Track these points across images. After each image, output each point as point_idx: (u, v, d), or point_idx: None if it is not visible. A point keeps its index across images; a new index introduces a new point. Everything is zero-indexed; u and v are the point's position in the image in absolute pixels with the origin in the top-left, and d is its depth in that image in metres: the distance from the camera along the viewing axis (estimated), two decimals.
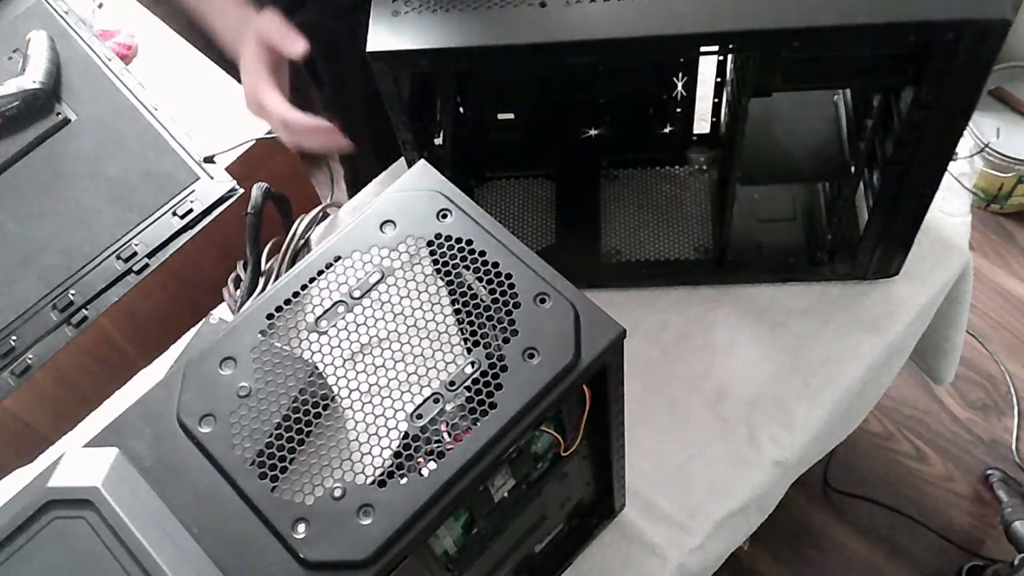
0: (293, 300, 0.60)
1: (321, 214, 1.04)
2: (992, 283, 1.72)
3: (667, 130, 1.00)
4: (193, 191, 1.14)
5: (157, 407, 0.58)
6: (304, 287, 0.60)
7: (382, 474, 0.53)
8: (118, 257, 1.10)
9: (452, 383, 0.55)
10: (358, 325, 0.58)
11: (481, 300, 0.58)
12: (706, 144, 1.03)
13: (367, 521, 0.52)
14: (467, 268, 0.59)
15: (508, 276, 0.58)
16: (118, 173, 1.16)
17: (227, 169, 1.16)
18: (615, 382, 0.62)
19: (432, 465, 0.53)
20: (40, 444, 0.97)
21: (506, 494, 0.65)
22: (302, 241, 1.01)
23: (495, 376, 0.55)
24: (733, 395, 0.91)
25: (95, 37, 1.29)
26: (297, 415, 0.56)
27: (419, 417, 0.54)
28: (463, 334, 0.58)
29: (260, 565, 0.52)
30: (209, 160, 1.16)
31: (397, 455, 0.54)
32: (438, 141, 0.88)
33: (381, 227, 0.62)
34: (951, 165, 0.96)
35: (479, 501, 0.62)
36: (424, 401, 0.55)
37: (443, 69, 0.73)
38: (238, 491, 0.54)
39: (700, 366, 0.93)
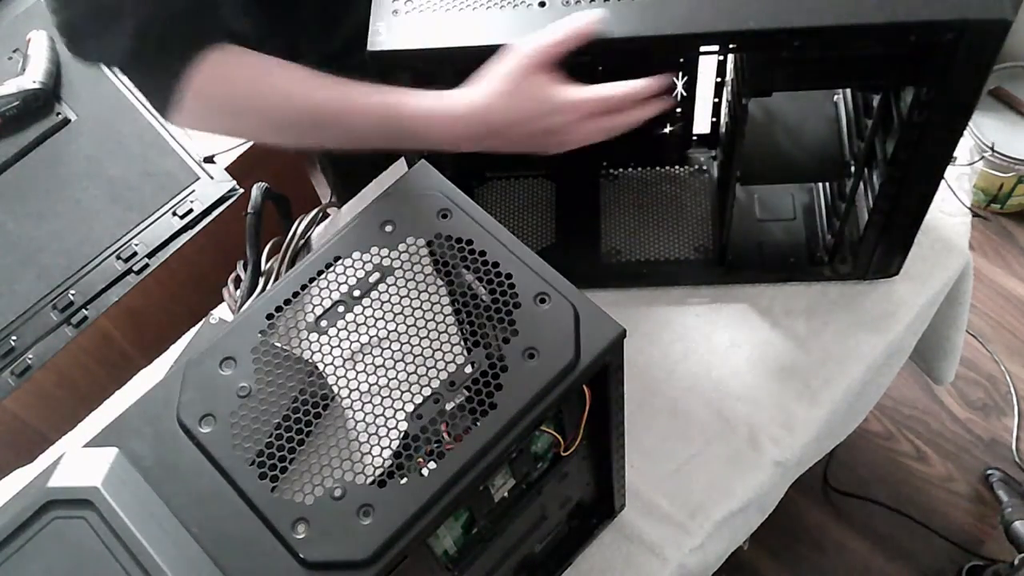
0: (293, 300, 0.60)
1: (321, 214, 1.04)
2: (992, 283, 1.72)
3: (667, 130, 1.00)
4: (193, 191, 1.14)
5: (157, 407, 0.58)
6: (304, 287, 0.60)
7: (382, 474, 0.53)
8: (118, 257, 1.10)
9: (452, 383, 0.55)
10: (358, 325, 0.58)
11: (481, 300, 0.58)
12: (706, 144, 1.03)
13: (367, 521, 0.52)
14: (467, 268, 0.59)
15: (508, 276, 0.58)
16: (118, 173, 1.16)
17: (227, 169, 1.16)
18: (615, 382, 0.62)
19: (432, 465, 0.53)
20: (40, 444, 0.97)
21: (506, 494, 0.65)
22: (302, 241, 1.01)
23: (495, 376, 0.55)
24: (733, 395, 0.91)
25: None
26: (297, 415, 0.56)
27: (419, 417, 0.54)
28: (463, 334, 0.58)
29: (260, 565, 0.52)
30: (209, 160, 1.16)
31: (397, 455, 0.54)
32: None
33: (381, 227, 0.62)
34: (952, 167, 0.96)
35: (479, 501, 0.62)
36: (424, 401, 0.55)
37: (443, 69, 0.73)
38: (238, 491, 0.54)
39: (700, 366, 0.93)
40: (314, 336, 0.58)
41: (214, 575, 0.52)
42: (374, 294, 0.59)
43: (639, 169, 1.04)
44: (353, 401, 0.56)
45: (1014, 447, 1.56)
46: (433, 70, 0.74)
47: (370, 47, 0.72)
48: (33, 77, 1.21)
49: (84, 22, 0.73)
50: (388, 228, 0.62)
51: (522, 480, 0.66)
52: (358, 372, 0.57)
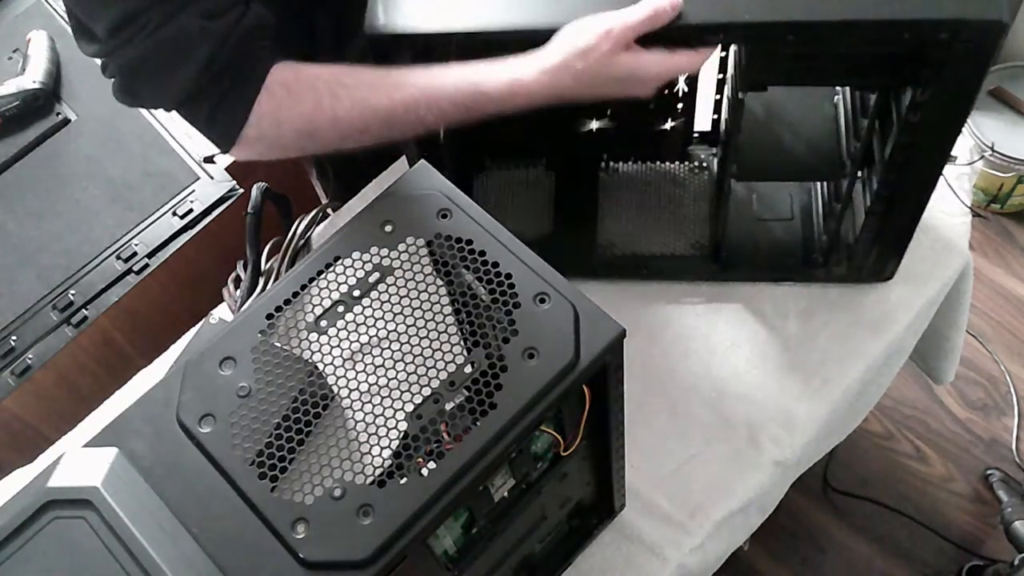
0: (293, 300, 0.60)
1: (321, 214, 1.04)
2: (992, 283, 1.72)
3: (668, 126, 1.00)
4: (193, 191, 1.14)
5: (157, 407, 0.58)
6: (304, 287, 0.60)
7: (382, 474, 0.53)
8: (118, 257, 1.10)
9: (452, 383, 0.55)
10: (358, 325, 0.58)
11: (481, 300, 0.58)
12: (707, 142, 1.03)
13: (367, 521, 0.52)
14: (467, 268, 0.59)
15: (508, 276, 0.58)
16: (118, 173, 1.16)
17: (227, 169, 1.16)
18: (615, 382, 0.62)
19: (432, 465, 0.53)
20: (40, 444, 0.97)
21: (506, 494, 0.65)
22: (302, 241, 1.01)
23: (495, 376, 0.55)
24: (733, 395, 0.91)
25: None
26: (297, 415, 0.56)
27: (419, 417, 0.54)
28: (463, 334, 0.58)
29: (260, 565, 0.52)
30: (209, 160, 1.16)
31: (397, 455, 0.54)
32: None
33: (381, 227, 0.62)
34: (951, 167, 0.96)
35: (479, 501, 0.62)
36: (424, 401, 0.55)
37: (443, 53, 0.73)
38: (238, 491, 0.54)
39: (700, 366, 0.93)
40: (314, 336, 0.58)
41: (214, 575, 0.52)
42: (374, 294, 0.59)
43: (639, 164, 1.03)
44: (353, 401, 0.56)
45: (1014, 447, 1.56)
46: (433, 54, 0.74)
47: (369, 29, 0.71)
48: (33, 77, 1.21)
49: (147, 63, 0.70)
50: (388, 228, 0.62)
51: (522, 480, 0.66)
52: (358, 372, 0.57)
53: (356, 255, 0.61)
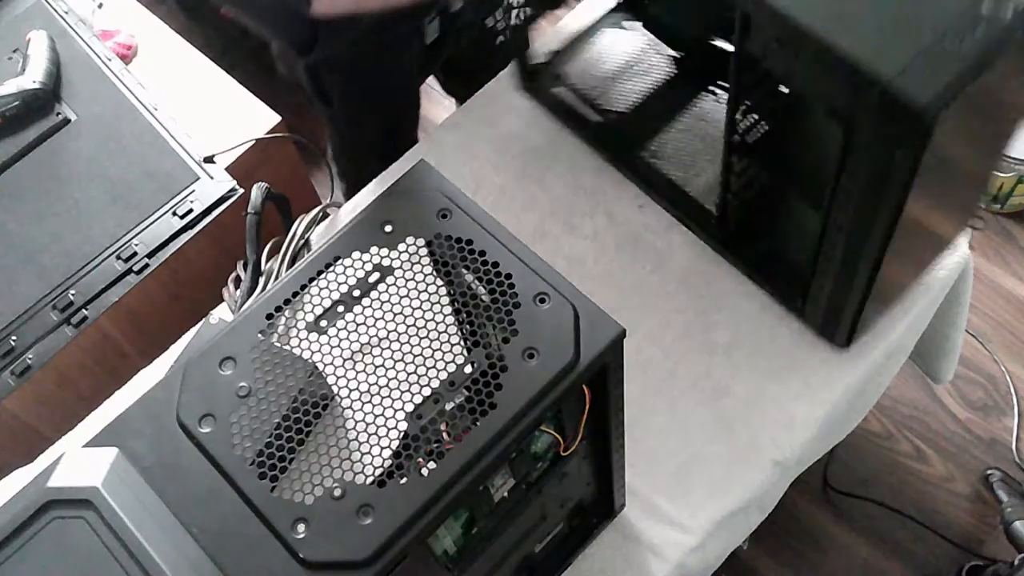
0: (293, 300, 0.60)
1: (321, 214, 1.04)
2: (992, 283, 1.72)
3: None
4: (193, 191, 1.14)
5: (157, 407, 0.58)
6: (304, 287, 0.60)
7: (382, 474, 0.53)
8: (118, 257, 1.10)
9: (452, 383, 0.55)
10: (358, 325, 0.58)
11: (481, 300, 0.58)
12: None
13: (367, 521, 0.52)
14: (467, 268, 0.59)
15: (508, 276, 0.58)
16: (118, 173, 1.16)
17: (227, 169, 1.16)
18: (615, 382, 0.62)
19: (432, 465, 0.53)
20: (40, 444, 0.97)
21: (506, 494, 0.65)
22: (302, 241, 1.01)
23: (495, 376, 0.55)
24: (733, 395, 0.91)
25: (95, 37, 1.29)
26: (297, 415, 0.56)
27: (419, 417, 0.54)
28: (463, 334, 0.58)
29: (260, 565, 0.52)
30: (209, 160, 1.16)
31: (397, 455, 0.54)
32: None
33: (381, 227, 0.62)
34: None
35: (479, 501, 0.62)
36: (424, 401, 0.55)
37: None
38: (238, 491, 0.54)
39: (700, 366, 0.93)
40: (314, 336, 0.58)
41: (214, 575, 0.52)
42: (374, 294, 0.59)
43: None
44: (353, 401, 0.56)
45: (1014, 447, 1.56)
46: None
47: None
48: (33, 77, 1.21)
49: None
50: (388, 228, 0.62)
51: (522, 480, 0.66)
52: (358, 372, 0.57)
53: (356, 255, 0.61)
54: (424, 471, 0.53)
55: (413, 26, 1.08)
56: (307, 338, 0.58)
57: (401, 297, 0.59)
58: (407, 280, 0.59)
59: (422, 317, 0.58)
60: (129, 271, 1.10)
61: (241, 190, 1.13)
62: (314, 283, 0.60)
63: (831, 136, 0.64)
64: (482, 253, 0.59)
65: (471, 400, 0.55)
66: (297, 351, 0.58)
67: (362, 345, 0.57)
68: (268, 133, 1.19)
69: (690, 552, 0.85)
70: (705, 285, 0.97)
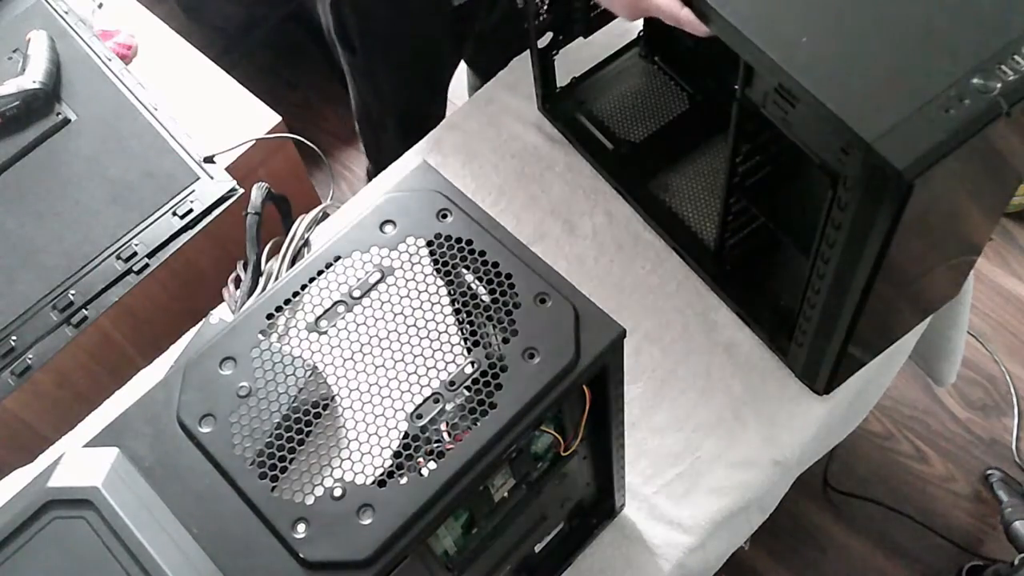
0: (293, 300, 0.60)
1: (321, 214, 1.04)
2: (992, 283, 1.72)
3: None
4: (193, 191, 1.14)
5: (157, 407, 0.58)
6: (304, 287, 0.60)
7: (382, 474, 0.53)
8: (118, 257, 1.10)
9: (452, 383, 0.55)
10: (358, 325, 0.58)
11: (481, 300, 0.58)
12: None
13: (367, 521, 0.52)
14: (467, 268, 0.59)
15: (508, 276, 0.58)
16: (118, 173, 1.16)
17: (227, 169, 1.16)
18: (615, 382, 0.62)
19: (432, 465, 0.53)
20: (40, 444, 0.97)
21: (506, 494, 0.65)
22: (302, 241, 1.01)
23: (495, 376, 0.55)
24: (733, 395, 0.91)
25: (95, 37, 1.29)
26: (297, 415, 0.56)
27: (419, 417, 0.54)
28: (463, 334, 0.58)
29: (260, 565, 0.52)
30: (209, 160, 1.16)
31: (397, 455, 0.54)
32: None
33: (381, 227, 0.62)
34: None
35: (479, 501, 0.62)
36: (424, 401, 0.55)
37: None
38: (238, 491, 0.54)
39: (700, 366, 0.93)
40: (314, 336, 0.58)
41: (214, 575, 0.52)
42: (374, 294, 0.59)
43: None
44: (353, 401, 0.56)
45: (1014, 447, 1.56)
46: None
47: None
48: (33, 77, 1.21)
49: None
50: (388, 228, 0.62)
51: (522, 480, 0.66)
52: (358, 372, 0.57)
53: (356, 255, 0.61)
54: (424, 471, 0.53)
55: None
56: (307, 338, 0.58)
57: (401, 297, 0.59)
58: (407, 280, 0.59)
59: (422, 317, 0.58)
60: (129, 271, 1.10)
61: (241, 190, 1.13)
62: (314, 283, 0.60)
63: (821, 186, 0.67)
64: (482, 253, 0.59)
65: (471, 400, 0.55)
66: (297, 351, 0.58)
67: (362, 345, 0.57)
68: (268, 133, 1.19)
69: (690, 552, 0.85)
70: (705, 285, 0.97)
